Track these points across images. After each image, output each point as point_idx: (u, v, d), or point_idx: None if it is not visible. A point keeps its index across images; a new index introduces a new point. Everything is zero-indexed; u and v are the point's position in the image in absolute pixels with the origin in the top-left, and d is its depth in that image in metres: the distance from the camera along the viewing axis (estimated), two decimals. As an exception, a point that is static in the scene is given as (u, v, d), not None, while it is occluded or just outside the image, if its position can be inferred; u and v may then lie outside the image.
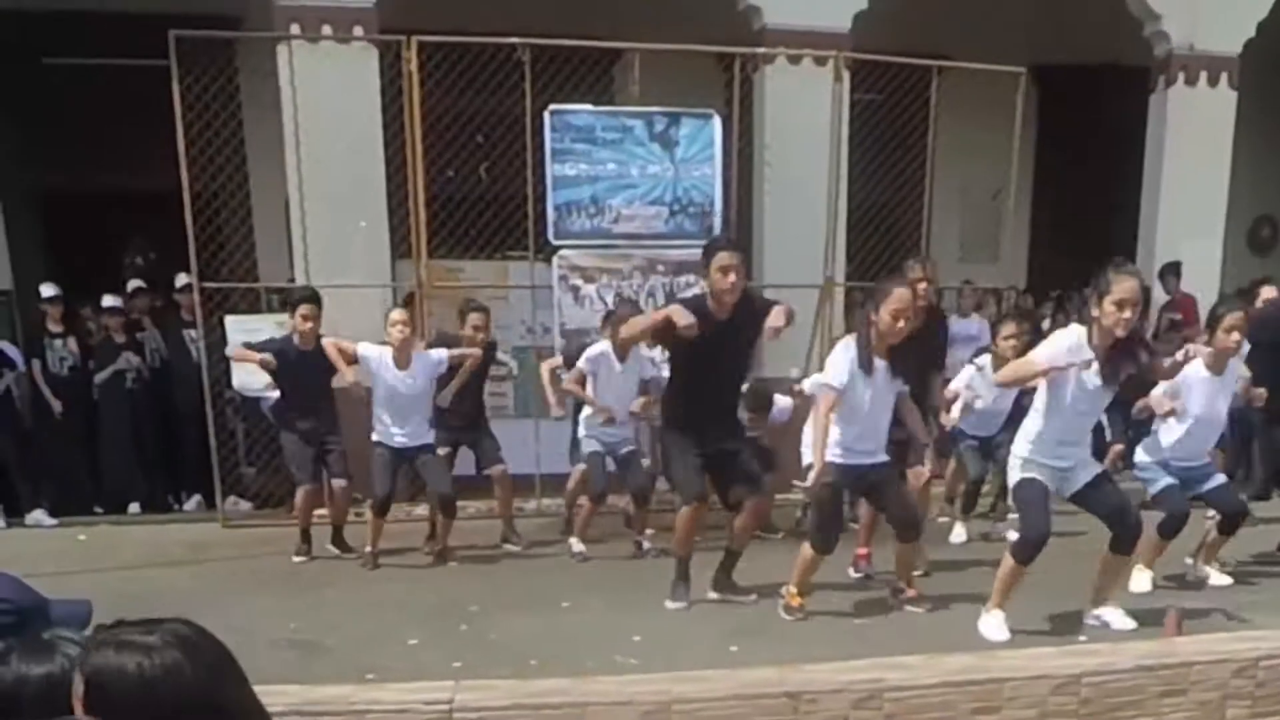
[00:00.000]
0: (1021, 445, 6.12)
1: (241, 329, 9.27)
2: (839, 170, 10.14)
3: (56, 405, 9.88)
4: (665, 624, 6.35)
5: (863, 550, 7.66)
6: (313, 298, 8.20)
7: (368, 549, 8.09)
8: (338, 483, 8.35)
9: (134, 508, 10.15)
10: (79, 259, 12.03)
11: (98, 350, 10.21)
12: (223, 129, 9.15)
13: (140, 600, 6.49)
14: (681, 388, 6.82)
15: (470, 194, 9.87)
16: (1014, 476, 6.20)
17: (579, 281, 9.19)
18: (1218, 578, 7.27)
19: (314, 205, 9.25)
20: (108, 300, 10.25)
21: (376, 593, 7.25)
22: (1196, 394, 6.81)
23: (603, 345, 8.25)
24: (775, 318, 6.47)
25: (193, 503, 10.32)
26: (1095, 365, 5.80)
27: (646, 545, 8.25)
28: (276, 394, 8.98)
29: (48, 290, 10.07)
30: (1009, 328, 8.10)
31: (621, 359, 8.17)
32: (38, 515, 9.55)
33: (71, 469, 10.23)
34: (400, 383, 8.05)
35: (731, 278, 6.45)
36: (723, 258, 6.50)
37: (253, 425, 10.00)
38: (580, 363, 8.21)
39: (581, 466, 8.48)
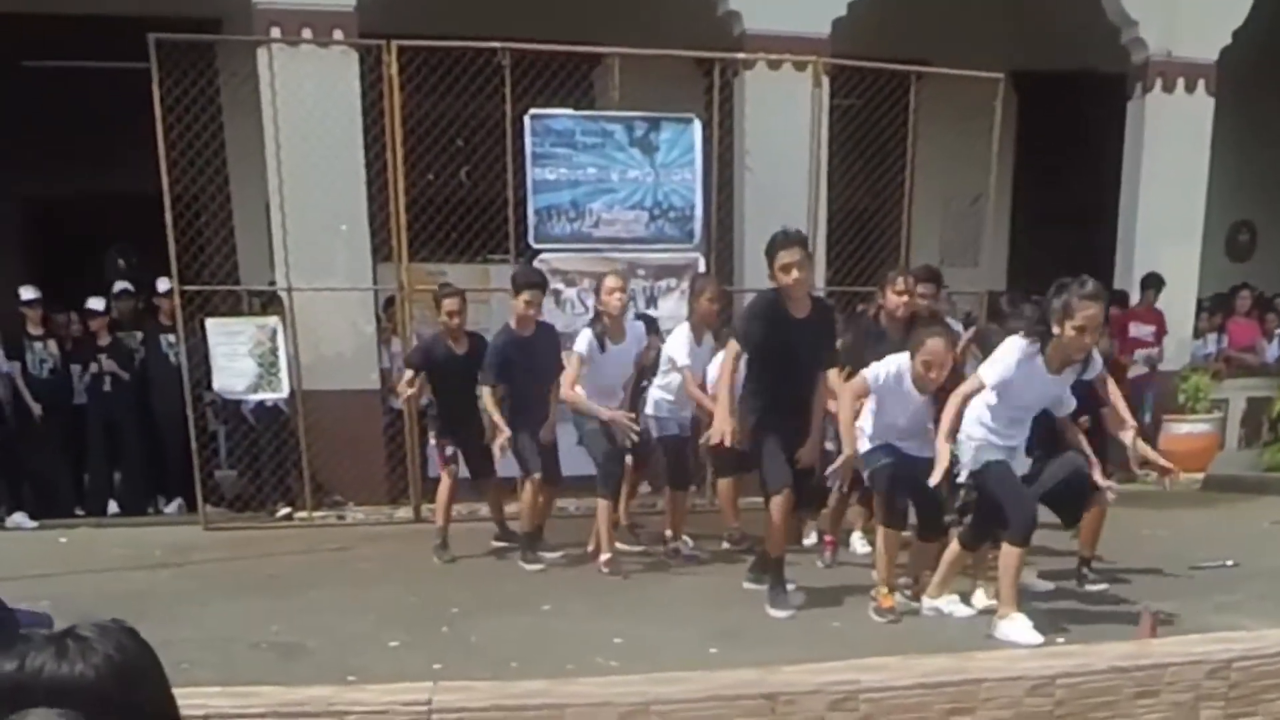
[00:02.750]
0: (975, 428, 6.11)
1: (223, 332, 9.29)
2: (819, 175, 10.19)
3: (36, 409, 9.85)
4: (646, 626, 6.36)
5: (830, 538, 7.81)
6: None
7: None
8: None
9: (114, 507, 10.14)
10: (58, 262, 12.01)
11: (78, 352, 10.20)
12: (203, 132, 9.14)
13: (121, 602, 6.55)
14: (758, 385, 6.76)
15: (451, 198, 9.89)
16: (973, 461, 6.15)
17: (560, 285, 9.20)
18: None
19: (295, 208, 9.25)
20: (92, 303, 10.24)
21: (358, 595, 7.24)
22: None
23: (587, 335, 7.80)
24: None
25: (174, 506, 10.31)
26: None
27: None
28: (257, 397, 9.02)
29: (27, 293, 10.04)
30: (900, 283, 7.64)
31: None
32: (18, 518, 9.50)
33: (52, 472, 10.21)
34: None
35: (795, 274, 6.39)
36: (783, 256, 6.42)
37: (233, 428, 10.01)
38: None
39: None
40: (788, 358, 6.56)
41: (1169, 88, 11.63)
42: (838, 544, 7.84)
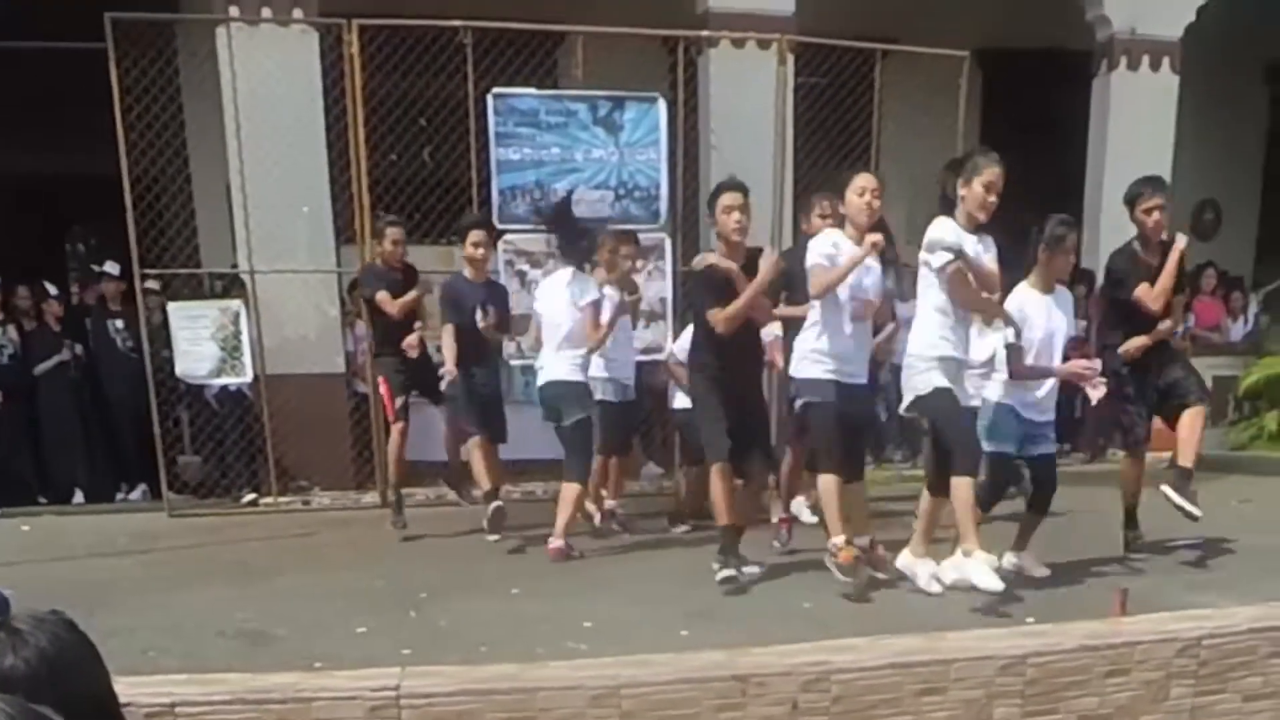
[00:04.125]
0: (924, 345, 6.15)
1: (184, 316, 9.19)
2: (784, 154, 10.15)
3: (-3, 395, 9.76)
4: (616, 609, 6.33)
5: (784, 516, 7.76)
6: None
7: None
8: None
9: (78, 497, 10.04)
10: (13, 246, 11.84)
11: (36, 339, 10.08)
12: (162, 113, 9.01)
13: (85, 591, 6.50)
14: (707, 339, 6.81)
15: (414, 178, 9.80)
16: (921, 386, 6.15)
17: (525, 266, 9.14)
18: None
19: (256, 190, 9.17)
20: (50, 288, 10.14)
21: (326, 580, 7.18)
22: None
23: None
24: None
25: (138, 493, 10.21)
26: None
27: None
28: (220, 382, 8.95)
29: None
30: (825, 205, 7.44)
31: None
32: (-22, 507, 9.41)
33: (13, 459, 10.09)
34: None
35: (736, 216, 6.58)
36: (726, 198, 6.65)
37: (197, 414, 9.91)
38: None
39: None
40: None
41: (1134, 65, 11.65)
42: (793, 522, 7.80)
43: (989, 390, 6.75)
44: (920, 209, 11.42)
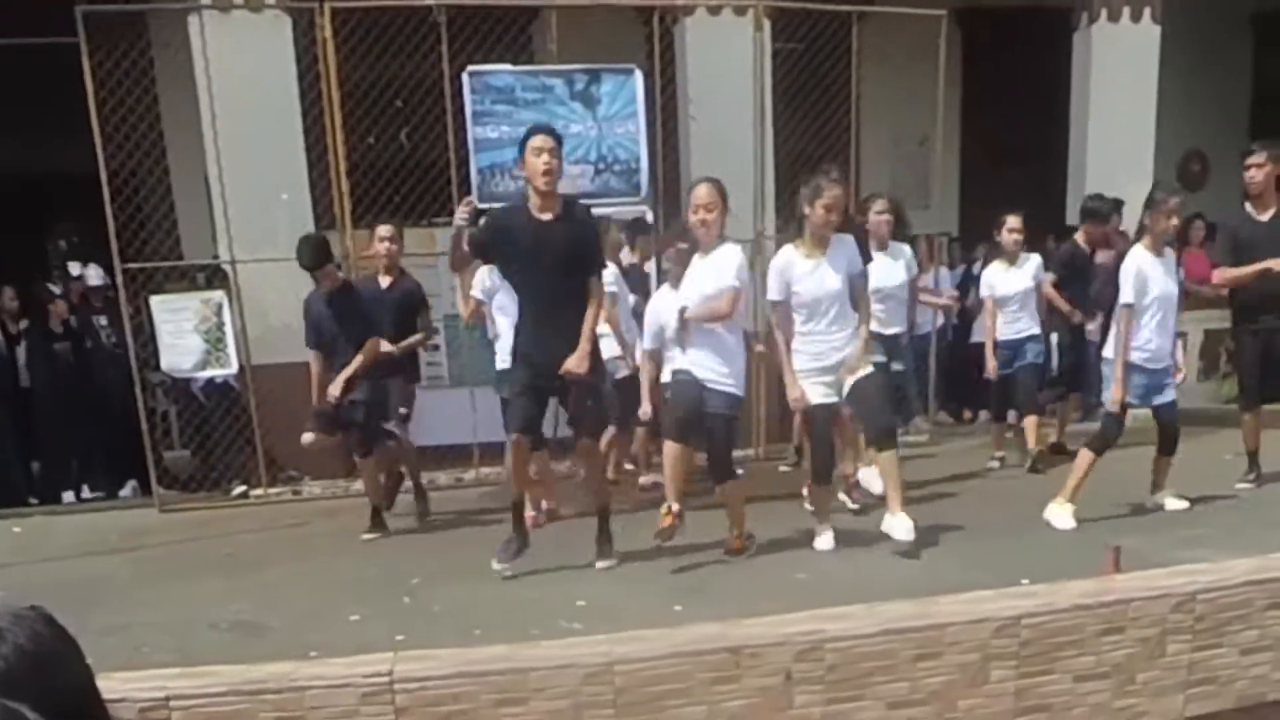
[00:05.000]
0: (800, 359, 6.53)
1: (167, 309, 9.14)
2: (764, 122, 10.09)
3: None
4: (609, 588, 6.31)
5: (646, 479, 8.12)
6: None
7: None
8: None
9: (68, 497, 10.00)
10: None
11: (34, 339, 10.07)
12: (137, 105, 8.93)
13: (77, 589, 6.49)
14: (520, 303, 6.54)
15: (393, 161, 9.74)
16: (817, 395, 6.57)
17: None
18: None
19: (234, 179, 9.09)
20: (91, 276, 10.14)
21: (318, 570, 7.16)
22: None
23: None
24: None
25: (128, 489, 10.17)
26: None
27: None
28: (206, 374, 8.89)
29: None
30: (880, 205, 8.18)
31: None
32: (-32, 510, 9.37)
33: (1, 460, 10.05)
34: None
35: (545, 158, 6.09)
36: (535, 140, 6.14)
37: (184, 408, 9.87)
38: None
39: None
40: (537, 266, 6.23)
41: (1114, 17, 11.54)
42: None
43: (1106, 349, 7.19)
44: (902, 172, 11.39)
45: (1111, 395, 7.04)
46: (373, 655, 4.87)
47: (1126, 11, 11.53)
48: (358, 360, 7.58)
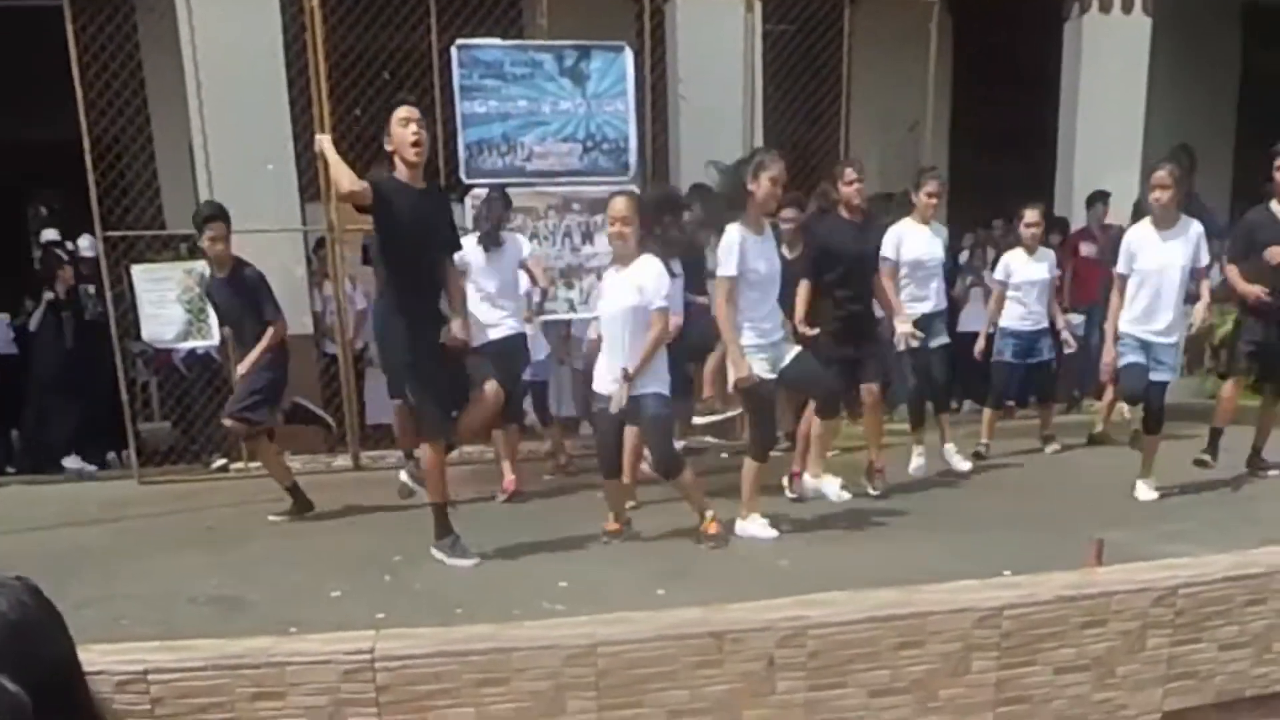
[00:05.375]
0: (749, 335, 6.53)
1: (149, 279, 9.06)
2: (754, 103, 10.06)
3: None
4: (592, 569, 6.29)
5: (797, 468, 7.79)
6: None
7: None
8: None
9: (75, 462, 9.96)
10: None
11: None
12: (121, 71, 8.83)
13: (57, 560, 6.46)
14: (392, 275, 6.26)
15: (379, 134, 9.64)
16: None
17: (495, 220, 9.04)
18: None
19: (219, 149, 9.00)
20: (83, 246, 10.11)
21: (299, 546, 7.12)
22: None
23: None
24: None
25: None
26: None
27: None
28: (188, 345, 8.82)
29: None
30: (850, 173, 7.90)
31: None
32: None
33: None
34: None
35: (414, 128, 5.97)
36: (403, 109, 6.02)
37: (164, 379, 9.79)
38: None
39: None
40: (412, 238, 6.10)
41: (1105, 8, 11.55)
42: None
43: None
44: (891, 157, 11.36)
45: (1104, 360, 7.61)
46: (354, 633, 4.83)
47: (1118, 3, 11.53)
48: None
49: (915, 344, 7.87)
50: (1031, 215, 9.07)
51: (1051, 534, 6.63)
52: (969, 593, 5.24)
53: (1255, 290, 7.79)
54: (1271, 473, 8.09)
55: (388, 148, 6.11)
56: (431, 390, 6.22)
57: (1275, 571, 5.62)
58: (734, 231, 6.43)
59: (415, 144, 5.98)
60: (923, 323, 8.08)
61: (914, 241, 8.17)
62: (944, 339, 8.47)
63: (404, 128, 5.97)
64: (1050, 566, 5.67)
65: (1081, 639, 5.24)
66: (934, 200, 8.31)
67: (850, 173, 7.70)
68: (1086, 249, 11.63)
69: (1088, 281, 11.18)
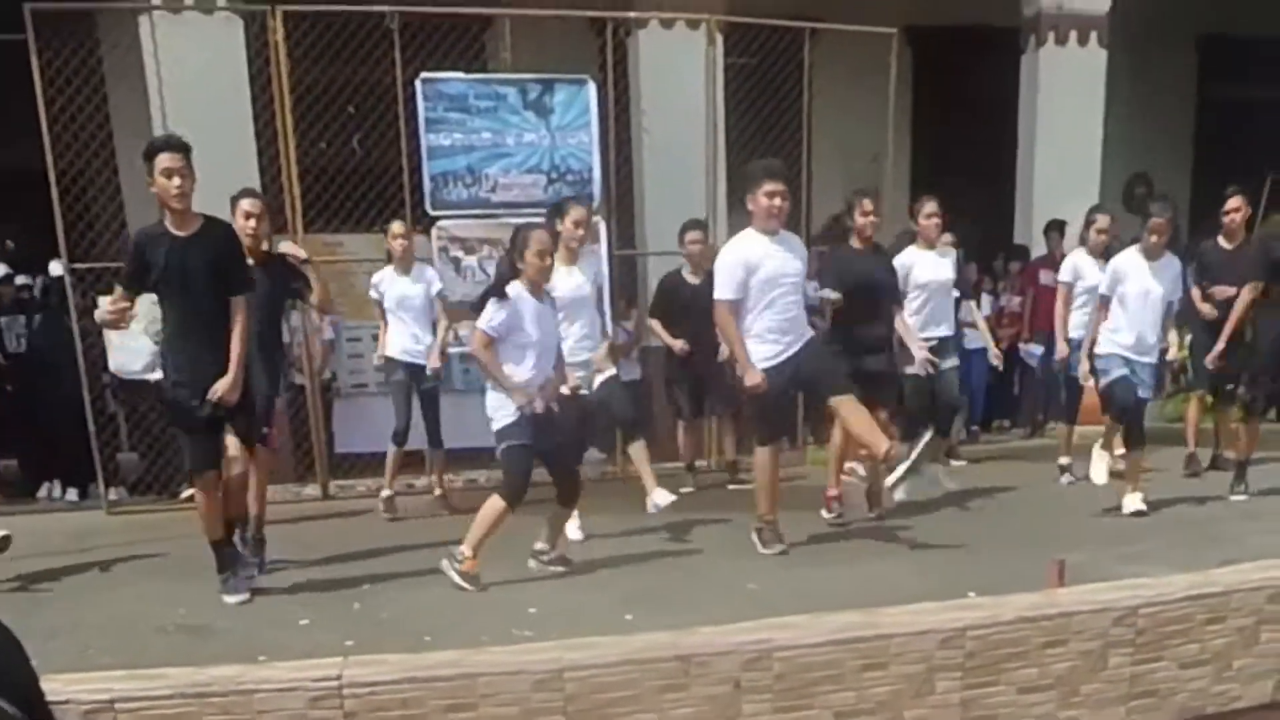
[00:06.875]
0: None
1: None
2: (716, 135, 10.15)
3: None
4: (560, 595, 6.32)
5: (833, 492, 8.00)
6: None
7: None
8: None
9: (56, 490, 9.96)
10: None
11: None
12: (86, 104, 8.85)
13: (23, 591, 6.40)
14: (170, 322, 6.29)
15: (345, 166, 9.71)
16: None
17: (459, 253, 9.10)
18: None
19: (184, 182, 9.00)
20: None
21: (267, 574, 7.11)
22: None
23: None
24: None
25: (73, 493, 10.02)
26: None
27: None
28: (156, 376, 8.77)
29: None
30: (868, 204, 8.05)
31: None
32: (-91, 511, 9.20)
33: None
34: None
35: (177, 180, 5.88)
36: (164, 159, 5.88)
37: (132, 409, 9.76)
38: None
39: None
40: (181, 285, 6.06)
41: (1061, 40, 11.69)
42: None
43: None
44: (854, 186, 11.48)
45: (1081, 369, 8.12)
46: (322, 660, 4.86)
47: (1074, 35, 11.68)
48: None
49: (932, 370, 7.93)
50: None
51: (1017, 555, 6.71)
52: (931, 614, 5.31)
53: (1208, 309, 8.73)
54: (1235, 497, 8.20)
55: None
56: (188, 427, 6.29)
57: (1234, 590, 5.72)
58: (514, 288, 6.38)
59: (178, 194, 5.96)
60: (937, 346, 8.18)
61: (922, 267, 8.37)
62: (954, 360, 8.56)
63: (168, 179, 5.90)
64: (1017, 587, 5.75)
65: (1044, 659, 5.32)
66: (935, 220, 8.45)
67: (867, 203, 7.88)
68: (1046, 277, 11.69)
69: (1047, 310, 11.24)
